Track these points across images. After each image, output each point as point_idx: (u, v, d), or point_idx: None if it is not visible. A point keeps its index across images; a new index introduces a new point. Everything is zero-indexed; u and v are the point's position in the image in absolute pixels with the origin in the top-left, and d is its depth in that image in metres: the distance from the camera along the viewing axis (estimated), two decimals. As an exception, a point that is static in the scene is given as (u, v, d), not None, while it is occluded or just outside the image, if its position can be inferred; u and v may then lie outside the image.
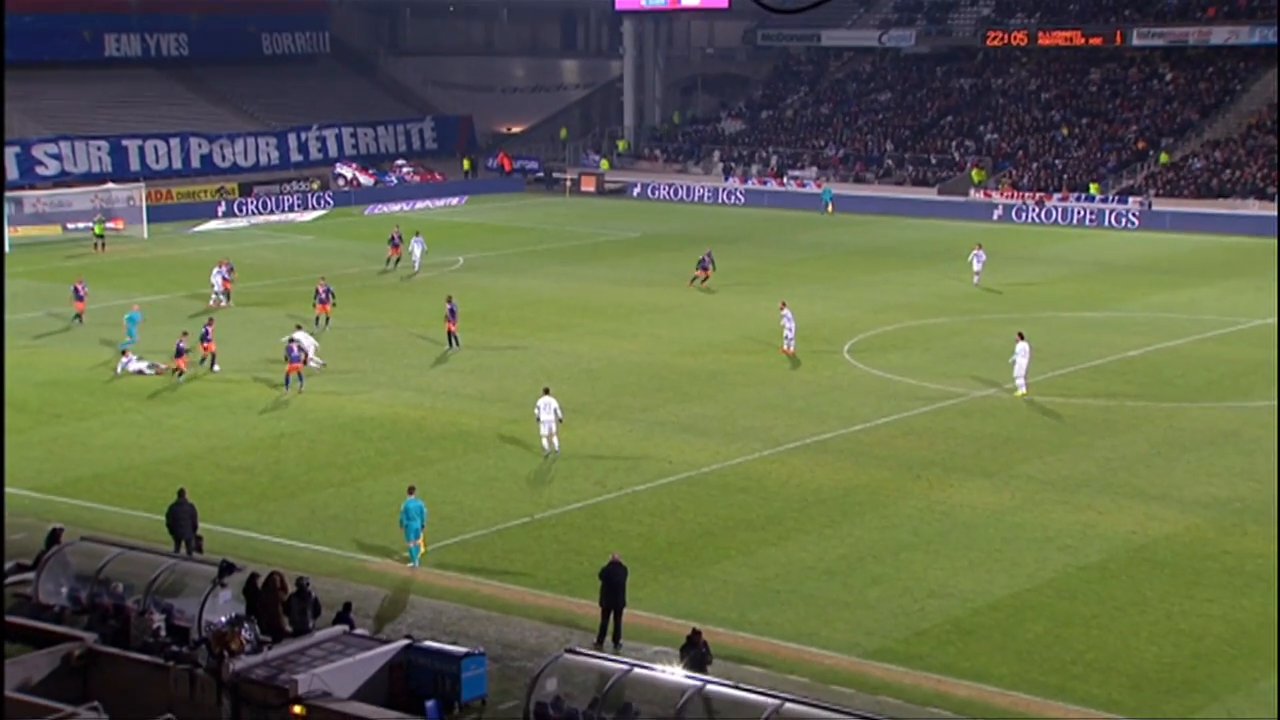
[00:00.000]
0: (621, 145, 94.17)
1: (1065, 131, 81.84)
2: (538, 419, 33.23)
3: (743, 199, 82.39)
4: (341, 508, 30.40)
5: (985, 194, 77.08)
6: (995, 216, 74.88)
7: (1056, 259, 62.25)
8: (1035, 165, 79.35)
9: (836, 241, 67.75)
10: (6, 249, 58.20)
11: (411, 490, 27.25)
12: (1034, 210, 74.43)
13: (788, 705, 17.78)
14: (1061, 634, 23.82)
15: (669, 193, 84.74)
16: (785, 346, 42.52)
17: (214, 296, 50.88)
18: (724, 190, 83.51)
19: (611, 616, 23.70)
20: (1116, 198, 74.20)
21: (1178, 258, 62.15)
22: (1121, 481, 31.49)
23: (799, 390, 39.55)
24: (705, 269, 54.84)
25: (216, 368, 41.22)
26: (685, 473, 32.35)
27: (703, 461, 33.02)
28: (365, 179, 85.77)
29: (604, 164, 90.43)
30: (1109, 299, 52.47)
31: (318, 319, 46.77)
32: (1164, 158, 76.82)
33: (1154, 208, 71.97)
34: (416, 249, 57.86)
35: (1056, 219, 73.72)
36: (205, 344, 41.47)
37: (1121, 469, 32.33)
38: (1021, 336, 38.37)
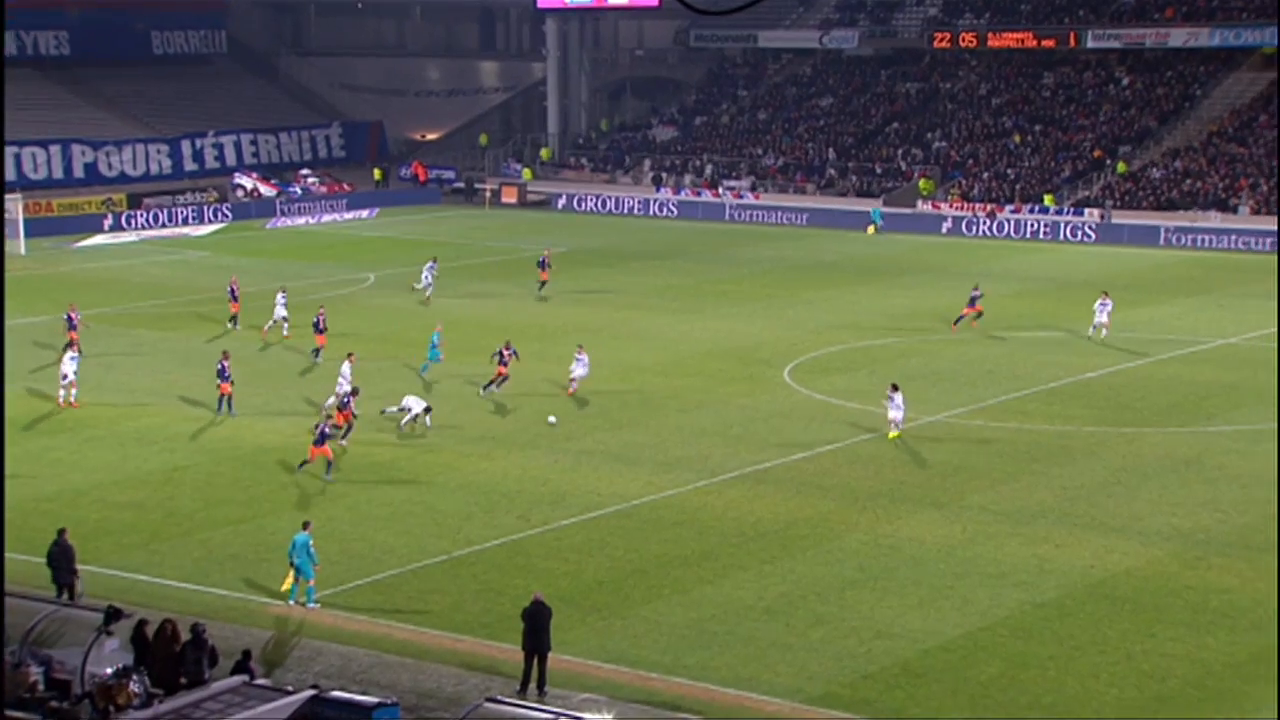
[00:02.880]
0: (545, 153, 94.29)
1: (1018, 139, 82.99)
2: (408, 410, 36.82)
3: (675, 211, 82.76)
4: (241, 547, 30.13)
5: (934, 205, 77.95)
6: (944, 229, 75.73)
7: (1009, 274, 63.03)
8: (986, 175, 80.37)
9: (776, 257, 68.20)
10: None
11: (306, 526, 27.12)
12: (985, 223, 75.34)
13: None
14: (1017, 676, 24.06)
15: (596, 204, 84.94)
16: (569, 388, 41.68)
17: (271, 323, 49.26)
18: (655, 201, 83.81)
19: (535, 661, 23.66)
20: (1072, 209, 75.31)
21: (1136, 273, 63.16)
22: (1079, 512, 31.90)
23: (736, 416, 39.73)
24: (544, 269, 56.41)
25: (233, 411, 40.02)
26: (615, 505, 32.38)
27: (633, 493, 33.05)
28: (267, 190, 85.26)
29: (526, 173, 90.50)
30: (1065, 317, 53.18)
31: (316, 350, 46.17)
32: (1121, 167, 78.11)
33: (1112, 220, 73.10)
34: (428, 275, 56.46)
35: (1009, 232, 74.65)
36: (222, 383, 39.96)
37: (1079, 499, 32.76)
38: (895, 388, 37.33)
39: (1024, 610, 26.66)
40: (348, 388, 38.21)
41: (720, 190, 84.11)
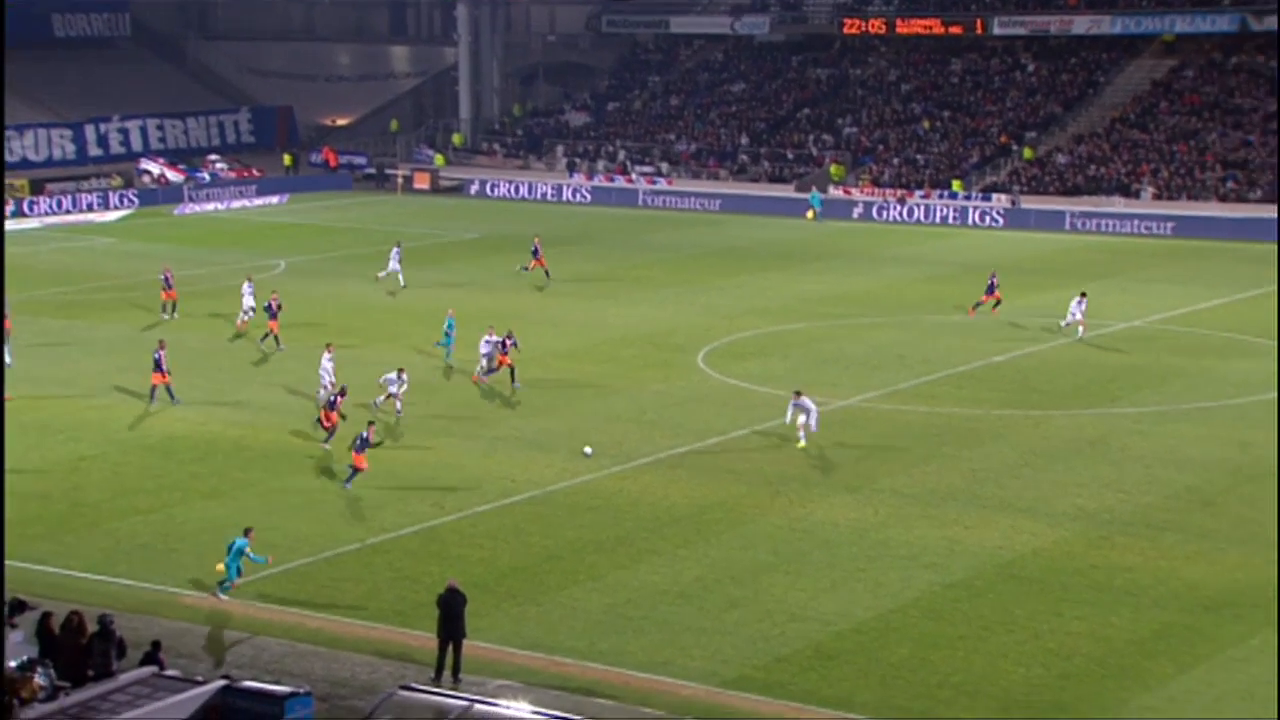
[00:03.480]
0: (457, 139, 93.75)
1: (927, 125, 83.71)
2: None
3: (589, 197, 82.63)
4: (150, 537, 29.76)
5: (845, 191, 78.46)
6: (856, 215, 76.26)
7: (920, 259, 63.61)
8: (896, 160, 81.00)
9: (689, 242, 68.34)
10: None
11: (247, 533, 26.77)
12: (896, 208, 75.97)
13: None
14: (927, 657, 24.34)
15: (509, 190, 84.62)
16: (477, 374, 41.39)
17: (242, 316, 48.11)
18: (568, 187, 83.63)
19: (450, 648, 23.59)
20: (980, 195, 76.13)
21: (1043, 258, 63.98)
22: (988, 494, 32.31)
23: (650, 402, 39.80)
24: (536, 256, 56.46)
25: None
26: (529, 492, 32.33)
27: (548, 480, 33.02)
28: (174, 175, 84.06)
29: (439, 159, 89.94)
30: (972, 301, 53.71)
31: (268, 335, 45.49)
32: (1028, 153, 79.03)
33: (1021, 205, 73.93)
34: (394, 261, 55.48)
35: (919, 217, 75.33)
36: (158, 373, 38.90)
37: (988, 481, 33.17)
38: (799, 394, 35.83)
39: (934, 591, 26.97)
40: (330, 379, 37.69)
41: (634, 176, 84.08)
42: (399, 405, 37.97)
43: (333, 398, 36.05)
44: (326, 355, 39.07)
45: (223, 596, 26.56)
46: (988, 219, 73.97)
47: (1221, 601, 26.15)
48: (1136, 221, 70.85)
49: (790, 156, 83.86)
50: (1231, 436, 36.11)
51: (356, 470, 32.37)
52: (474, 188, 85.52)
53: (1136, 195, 73.50)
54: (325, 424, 35.30)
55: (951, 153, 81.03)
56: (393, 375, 38.14)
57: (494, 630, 25.18)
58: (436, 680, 23.11)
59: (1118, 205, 72.73)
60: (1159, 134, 77.69)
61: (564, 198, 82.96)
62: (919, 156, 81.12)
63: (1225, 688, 22.89)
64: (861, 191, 78.27)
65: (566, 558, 28.71)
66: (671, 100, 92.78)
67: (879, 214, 76.04)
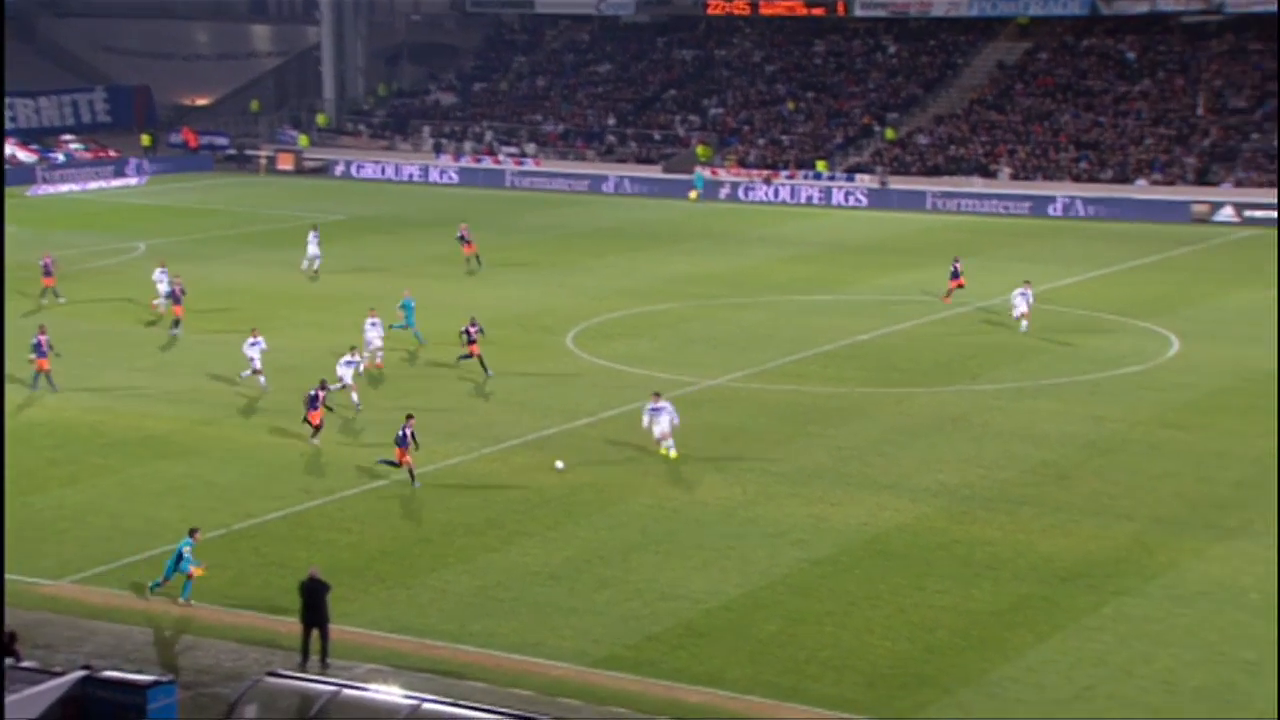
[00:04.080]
0: (321, 119, 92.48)
1: (791, 106, 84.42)
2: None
3: (456, 178, 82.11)
4: (6, 525, 28.96)
5: (712, 171, 78.87)
6: (723, 195, 76.72)
7: (785, 240, 64.19)
8: (762, 141, 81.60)
9: (557, 224, 68.22)
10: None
11: (192, 533, 25.98)
12: (762, 189, 76.56)
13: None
14: (795, 632, 24.62)
15: (375, 171, 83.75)
16: (375, 360, 40.89)
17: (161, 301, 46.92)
18: (435, 169, 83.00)
19: (315, 634, 23.34)
20: (844, 175, 76.98)
21: (905, 237, 64.93)
22: (853, 471, 32.74)
23: (519, 383, 39.69)
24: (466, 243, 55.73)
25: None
26: (399, 475, 32.06)
27: (418, 462, 32.78)
28: (26, 156, 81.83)
29: (302, 140, 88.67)
30: (839, 281, 54.43)
31: (176, 322, 44.53)
32: (890, 133, 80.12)
33: (889, 186, 74.85)
34: (312, 245, 53.96)
35: (785, 197, 76.00)
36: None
37: (853, 458, 33.60)
38: (658, 396, 33.86)
39: (802, 568, 27.28)
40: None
41: (501, 157, 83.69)
42: (355, 398, 37.03)
43: (314, 392, 34.39)
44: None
45: (152, 590, 25.88)
46: (852, 199, 74.82)
47: (1076, 572, 26.80)
48: (995, 201, 72.21)
49: (657, 137, 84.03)
50: (1086, 412, 36.99)
51: (316, 428, 33.24)
52: (339, 169, 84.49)
53: (994, 175, 74.91)
54: (312, 423, 34.07)
55: (816, 133, 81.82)
56: (345, 361, 37.24)
57: (363, 614, 24.97)
58: (303, 666, 22.87)
59: (977, 185, 74.04)
60: (1015, 115, 79.22)
61: (431, 179, 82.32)
62: (784, 137, 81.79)
63: (1080, 655, 23.47)
64: (728, 172, 78.73)
65: (436, 541, 28.55)
66: (538, 81, 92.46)
67: (745, 194, 76.59)
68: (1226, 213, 66.93)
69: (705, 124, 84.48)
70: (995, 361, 42.33)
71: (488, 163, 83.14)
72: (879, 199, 74.16)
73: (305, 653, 23.28)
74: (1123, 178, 72.41)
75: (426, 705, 18.58)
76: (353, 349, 38.13)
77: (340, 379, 36.85)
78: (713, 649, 24.02)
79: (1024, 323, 45.23)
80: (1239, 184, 69.60)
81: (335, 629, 23.49)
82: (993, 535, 28.79)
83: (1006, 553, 27.89)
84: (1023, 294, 45.55)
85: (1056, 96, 79.72)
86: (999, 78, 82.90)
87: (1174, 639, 23.96)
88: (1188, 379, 39.99)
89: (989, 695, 22.35)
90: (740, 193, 76.73)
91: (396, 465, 31.45)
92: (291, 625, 23.92)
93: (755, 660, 23.60)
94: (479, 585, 26.41)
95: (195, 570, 25.45)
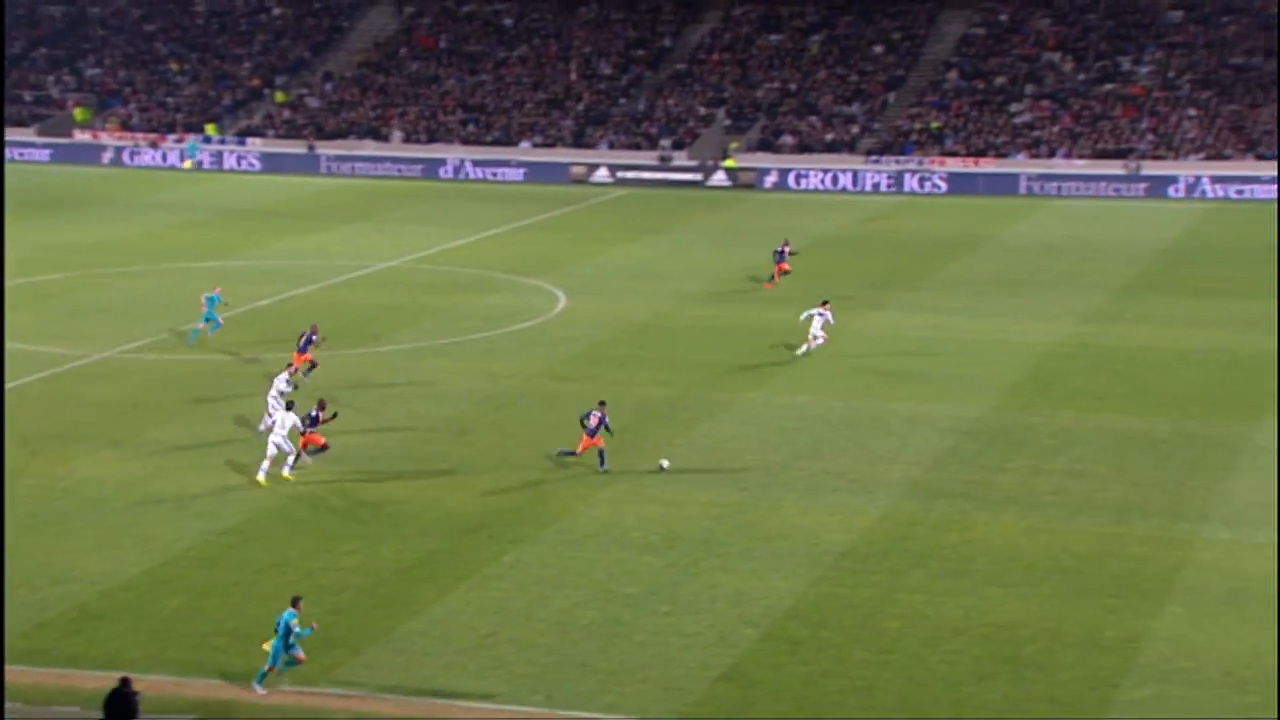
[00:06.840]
0: None
1: (175, 67, 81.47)
2: None
3: None
4: None
5: (93, 135, 74.94)
6: (106, 160, 73.18)
7: (177, 205, 62.05)
8: (147, 102, 78.30)
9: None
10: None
11: (295, 603, 21.67)
12: (151, 153, 73.60)
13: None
14: (201, 606, 24.01)
15: None
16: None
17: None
18: None
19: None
20: (235, 138, 75.23)
21: (299, 201, 64.34)
22: (253, 439, 32.11)
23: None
24: None
25: None
26: None
27: None
28: None
29: None
30: (235, 246, 53.24)
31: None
32: (280, 96, 78.95)
33: (275, 150, 73.78)
34: None
35: (174, 161, 73.43)
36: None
37: (252, 426, 32.96)
38: (284, 408, 31.81)
39: (206, 540, 26.63)
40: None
41: None
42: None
43: (314, 413, 30.34)
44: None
45: (259, 689, 21.53)
46: (244, 163, 73.25)
47: (478, 524, 27.63)
48: (389, 164, 72.85)
49: (28, 99, 78.74)
50: (481, 369, 38.10)
51: (594, 450, 30.38)
52: None
53: (386, 139, 75.50)
54: (317, 446, 30.22)
55: (203, 95, 79.42)
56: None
57: None
58: None
59: (369, 148, 74.37)
60: (403, 79, 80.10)
61: None
62: (169, 99, 78.87)
63: (482, 604, 24.21)
64: (110, 135, 75.08)
65: None
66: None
67: (132, 158, 73.40)
68: (602, 174, 70.73)
69: (81, 85, 80.00)
70: (394, 323, 42.81)
71: None
72: (271, 163, 73.06)
73: None
74: (507, 140, 74.88)
75: None
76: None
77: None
78: (111, 630, 23.05)
79: (816, 341, 38.66)
80: (612, 146, 73.69)
81: None
82: (400, 494, 29.18)
83: (413, 509, 28.35)
84: (820, 314, 38.94)
85: (442, 60, 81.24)
86: (385, 41, 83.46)
87: (567, 581, 25.18)
88: (574, 333, 41.99)
89: (396, 651, 22.68)
90: (125, 157, 73.42)
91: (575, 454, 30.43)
92: None
93: (158, 638, 22.85)
94: None
95: (299, 656, 21.58)
